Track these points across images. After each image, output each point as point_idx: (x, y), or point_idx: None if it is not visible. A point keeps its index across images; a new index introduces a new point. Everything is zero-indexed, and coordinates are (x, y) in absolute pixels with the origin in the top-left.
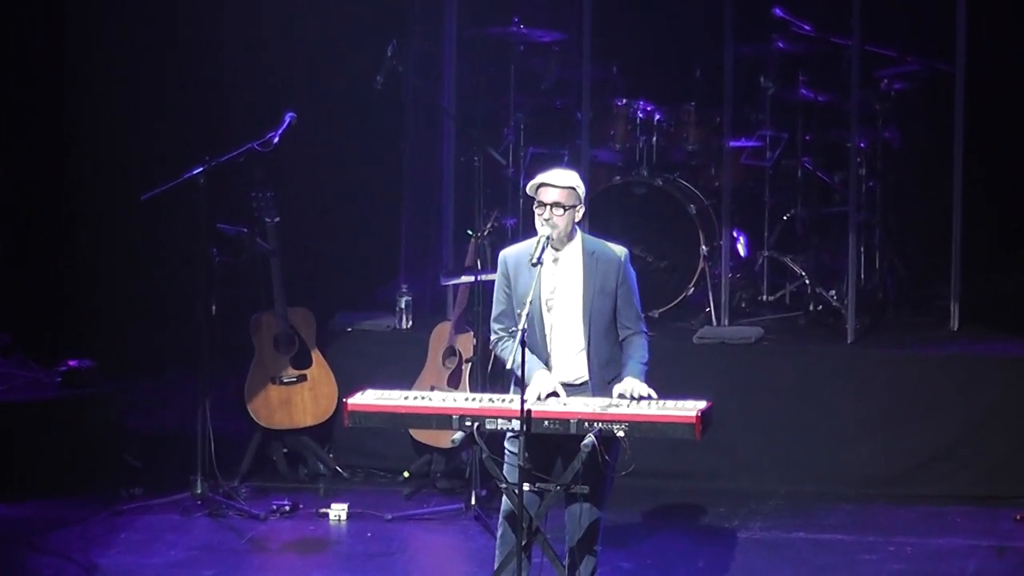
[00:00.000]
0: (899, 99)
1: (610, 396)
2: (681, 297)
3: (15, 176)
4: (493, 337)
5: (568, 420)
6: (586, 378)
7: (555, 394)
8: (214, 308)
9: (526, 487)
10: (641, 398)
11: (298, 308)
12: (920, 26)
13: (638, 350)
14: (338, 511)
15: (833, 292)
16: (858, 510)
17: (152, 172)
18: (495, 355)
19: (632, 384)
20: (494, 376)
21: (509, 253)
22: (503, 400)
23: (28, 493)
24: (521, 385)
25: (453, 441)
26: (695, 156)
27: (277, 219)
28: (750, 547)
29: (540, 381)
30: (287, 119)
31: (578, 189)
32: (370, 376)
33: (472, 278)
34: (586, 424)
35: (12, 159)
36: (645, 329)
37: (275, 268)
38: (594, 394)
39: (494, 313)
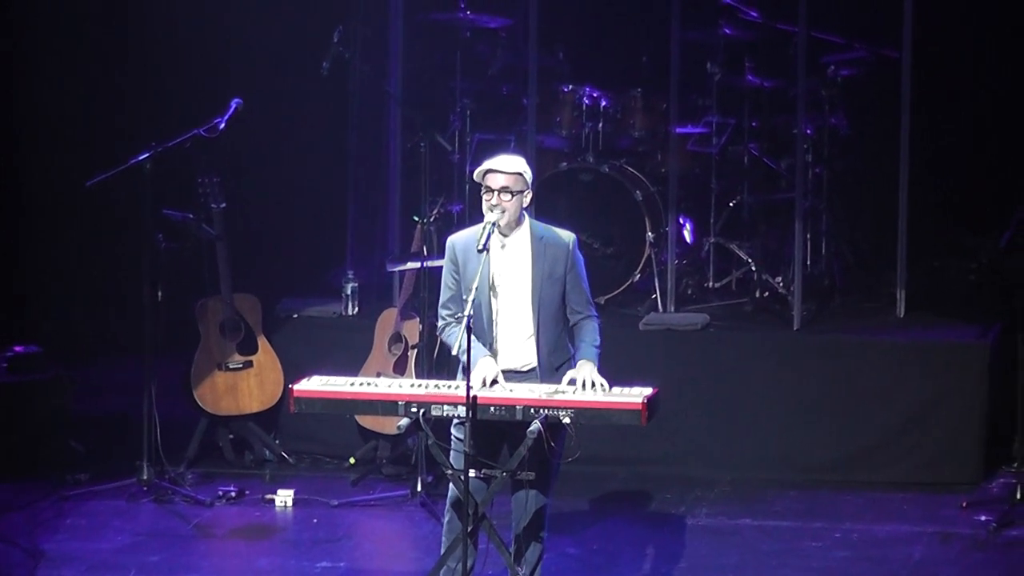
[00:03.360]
0: (846, 85)
1: (558, 383)
2: (628, 283)
3: None
4: (440, 323)
5: (514, 407)
6: (534, 364)
7: (495, 382)
8: (160, 294)
9: (472, 473)
10: (594, 386)
11: (244, 294)
12: (866, 12)
13: (590, 333)
14: (284, 497)
15: (779, 278)
16: (804, 496)
17: (98, 157)
18: (441, 341)
19: (585, 372)
20: (440, 363)
21: (457, 239)
22: (449, 387)
23: None
24: (467, 372)
25: (399, 427)
26: (641, 142)
27: (223, 205)
28: (697, 533)
29: (483, 367)
30: (233, 105)
31: (525, 175)
32: (316, 362)
33: (418, 264)
34: (532, 411)
35: None
36: (595, 314)
37: (221, 254)
38: (542, 381)
39: (442, 299)
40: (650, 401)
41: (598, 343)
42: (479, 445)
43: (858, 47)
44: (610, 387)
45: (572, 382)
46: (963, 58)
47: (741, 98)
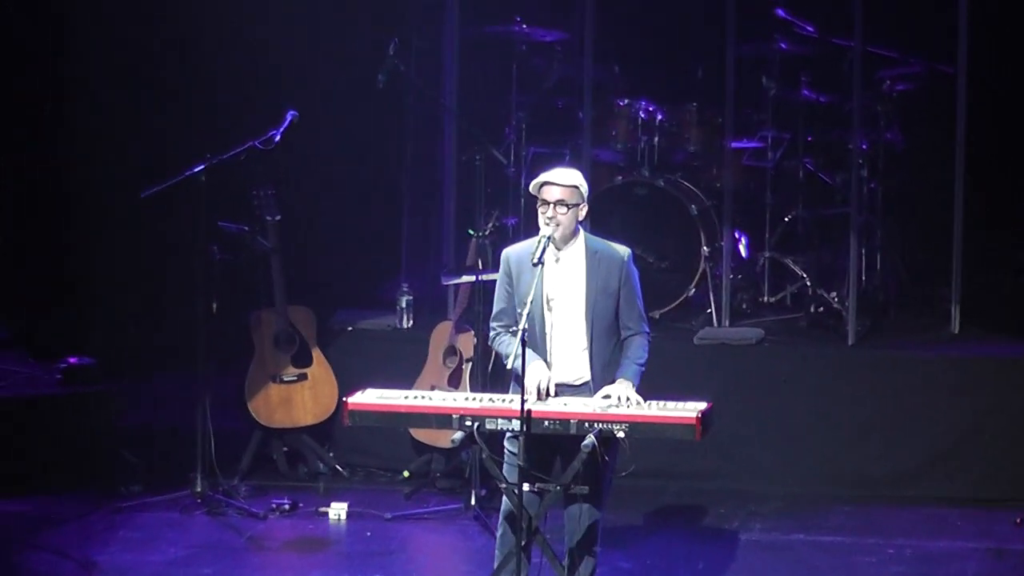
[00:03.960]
0: (901, 100)
1: None
2: (682, 298)
3: (14, 170)
4: (492, 334)
5: (568, 420)
6: (587, 379)
7: (548, 389)
8: (214, 306)
9: (525, 487)
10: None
11: (298, 306)
12: (922, 27)
13: (636, 350)
14: (338, 510)
15: (834, 294)
16: (857, 512)
17: (153, 169)
18: (495, 353)
19: (620, 388)
20: (494, 376)
21: (511, 252)
22: (503, 400)
23: (27, 490)
24: (521, 385)
25: (453, 441)
26: (697, 156)
27: (278, 217)
28: (749, 548)
29: (535, 372)
30: (288, 117)
31: (581, 188)
32: (370, 375)
33: (473, 278)
34: (586, 424)
35: (11, 154)
36: (647, 330)
37: (275, 266)
38: (595, 394)
39: (494, 311)
40: (704, 416)
41: (642, 360)
42: (533, 459)
43: (913, 62)
44: (656, 402)
45: (607, 397)
46: (1018, 72)
47: (796, 112)
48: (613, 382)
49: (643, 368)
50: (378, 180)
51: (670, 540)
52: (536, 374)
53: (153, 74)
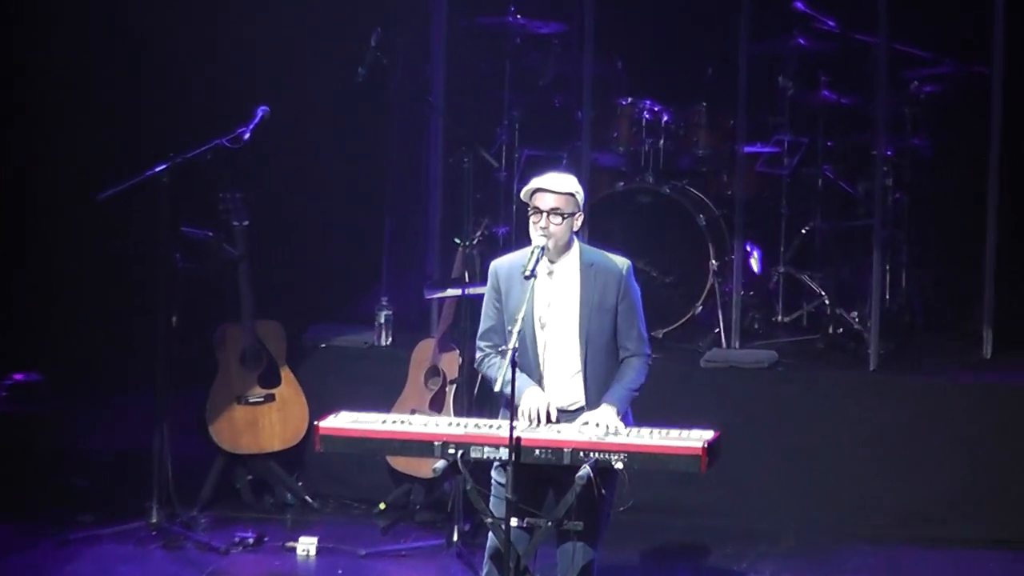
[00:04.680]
0: (930, 103)
1: None
2: (688, 316)
3: None
4: (478, 355)
5: (561, 449)
6: (582, 403)
7: (548, 416)
8: (175, 319)
9: (514, 522)
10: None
11: (267, 321)
12: (953, 24)
13: (631, 373)
14: (307, 545)
15: (855, 313)
16: (880, 553)
17: (110, 170)
18: (481, 375)
19: (601, 414)
20: (481, 399)
21: (500, 264)
22: (490, 426)
23: None
24: (511, 409)
25: (435, 470)
26: (706, 162)
27: (246, 222)
28: None
29: (531, 398)
30: (259, 113)
31: (577, 195)
32: (345, 397)
33: (459, 291)
34: (581, 454)
35: None
36: (648, 352)
37: (243, 276)
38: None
39: (481, 329)
40: (711, 446)
41: (636, 385)
42: (522, 491)
43: (943, 61)
44: (657, 431)
45: (586, 424)
46: None
47: (815, 115)
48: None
49: (635, 393)
50: (357, 184)
51: None
52: (533, 399)
53: (113, 65)
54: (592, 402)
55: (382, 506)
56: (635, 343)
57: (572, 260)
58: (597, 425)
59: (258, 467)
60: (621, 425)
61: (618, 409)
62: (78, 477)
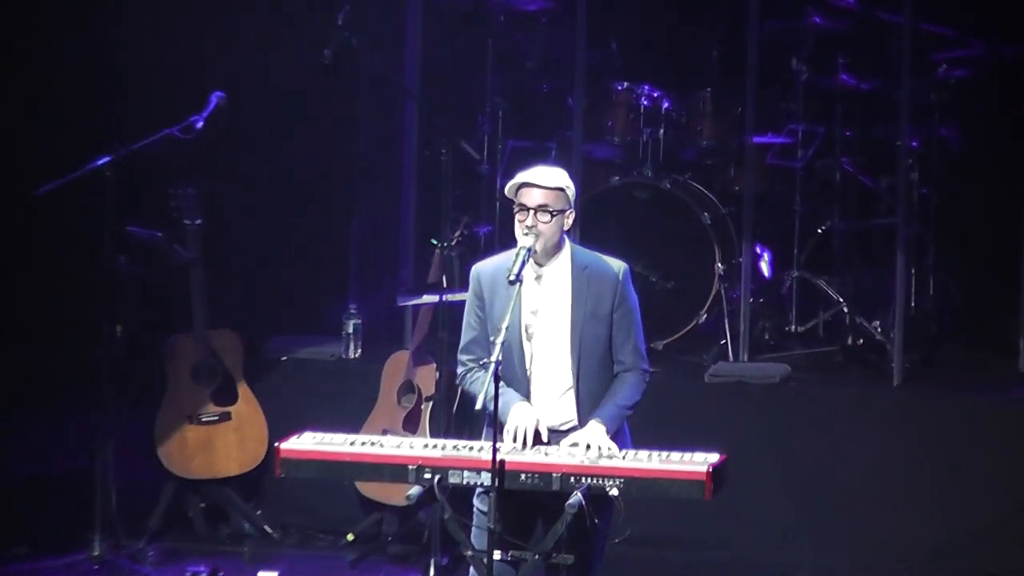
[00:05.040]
0: (960, 88)
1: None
2: (691, 325)
3: None
4: (460, 370)
5: (550, 474)
6: (574, 422)
7: (539, 435)
8: (120, 329)
9: (497, 555)
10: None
11: (223, 330)
12: (985, 2)
13: (624, 389)
14: None
15: (876, 323)
16: None
17: (48, 162)
18: (462, 392)
19: (589, 433)
20: (461, 418)
21: (483, 268)
22: (471, 448)
23: None
24: (494, 429)
25: (409, 497)
26: (710, 154)
27: (199, 221)
28: None
29: (519, 415)
30: (213, 100)
31: (568, 191)
32: (309, 416)
33: (436, 298)
34: (572, 479)
35: None
36: (645, 366)
37: (196, 280)
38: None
39: (463, 341)
40: (716, 470)
41: (630, 403)
42: (507, 520)
43: (976, 43)
44: (656, 453)
45: (574, 445)
46: None
47: (832, 102)
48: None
49: (628, 412)
50: (322, 178)
51: None
52: (520, 416)
53: (52, 54)
54: (585, 420)
55: (350, 537)
56: (631, 356)
57: (562, 263)
58: (588, 447)
59: (212, 493)
60: (613, 445)
61: (607, 428)
62: (13, 505)
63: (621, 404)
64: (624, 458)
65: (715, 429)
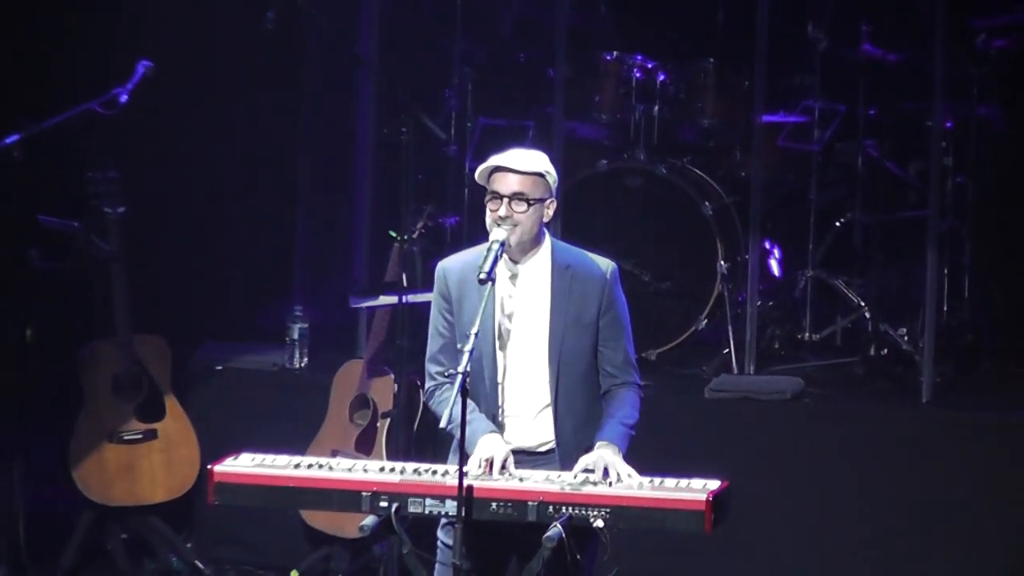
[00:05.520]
0: (1001, 60)
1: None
2: (689, 332)
3: None
4: (428, 384)
5: (525, 503)
6: (552, 444)
7: (504, 468)
8: (30, 333)
9: None
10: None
11: (148, 336)
12: None
13: (623, 407)
14: None
15: (903, 330)
16: None
17: None
18: (425, 407)
19: (605, 456)
20: (422, 438)
21: (450, 265)
22: (434, 472)
23: None
24: (460, 450)
25: (362, 528)
26: (713, 134)
27: (122, 210)
28: None
29: (487, 447)
30: (140, 70)
31: (548, 177)
32: (248, 434)
33: (395, 299)
34: (551, 508)
35: None
36: (638, 380)
37: (118, 278)
38: (564, 466)
39: (430, 351)
40: (717, 499)
41: (632, 422)
42: (476, 556)
43: (1019, 8)
44: (648, 480)
45: (587, 471)
46: None
47: (854, 76)
48: (590, 449)
49: (632, 432)
50: (265, 162)
51: None
52: (488, 449)
53: None
54: (566, 442)
55: (295, 574)
56: (622, 368)
57: (542, 260)
58: (605, 472)
59: (135, 523)
60: (632, 471)
61: (619, 449)
62: None
63: (625, 422)
64: (610, 484)
65: (716, 452)
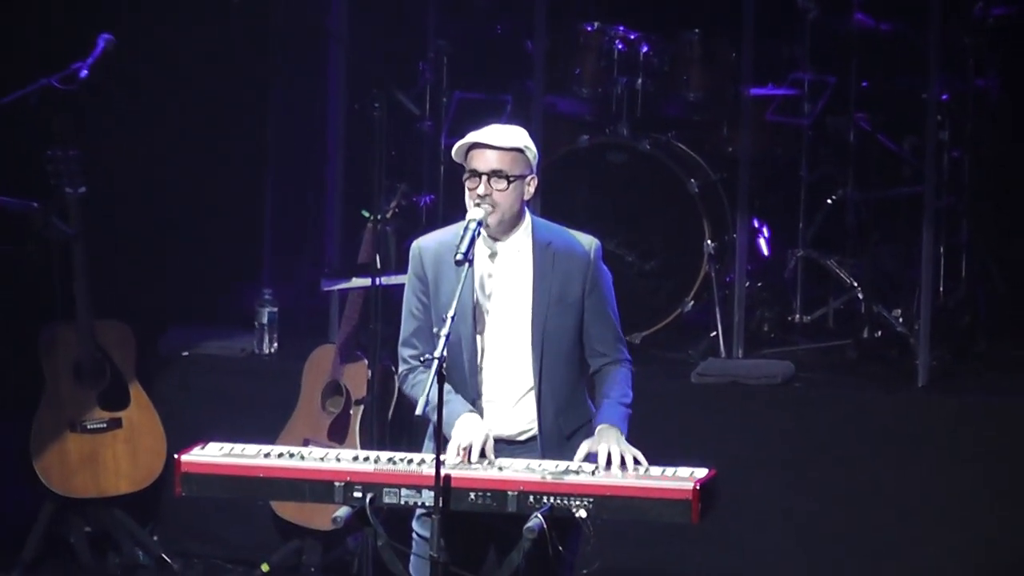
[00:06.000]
0: (999, 30)
1: (570, 457)
2: (675, 315)
3: None
4: (402, 368)
5: (505, 492)
6: (534, 431)
7: (483, 454)
8: None
9: None
10: (623, 464)
11: (111, 321)
12: None
13: (618, 385)
14: None
15: (898, 311)
16: None
17: None
18: (401, 394)
19: (608, 441)
20: (398, 426)
21: (426, 244)
22: (410, 461)
23: None
24: (437, 438)
25: (335, 520)
26: (699, 108)
27: (83, 189)
28: None
29: (465, 429)
30: (101, 44)
31: (527, 153)
32: (215, 423)
33: (368, 281)
34: (531, 498)
35: None
36: (628, 356)
37: (78, 260)
38: (545, 455)
39: (403, 334)
40: (704, 488)
41: (628, 401)
42: (453, 548)
43: None
44: (633, 468)
45: (590, 458)
46: None
47: (846, 47)
48: (575, 435)
49: (630, 411)
50: (231, 138)
51: None
52: (467, 431)
53: None
54: (549, 429)
55: (265, 568)
56: (611, 346)
57: (522, 239)
58: (608, 458)
59: (99, 516)
60: (637, 453)
61: (622, 431)
62: None
63: (623, 400)
64: (593, 473)
65: (703, 439)
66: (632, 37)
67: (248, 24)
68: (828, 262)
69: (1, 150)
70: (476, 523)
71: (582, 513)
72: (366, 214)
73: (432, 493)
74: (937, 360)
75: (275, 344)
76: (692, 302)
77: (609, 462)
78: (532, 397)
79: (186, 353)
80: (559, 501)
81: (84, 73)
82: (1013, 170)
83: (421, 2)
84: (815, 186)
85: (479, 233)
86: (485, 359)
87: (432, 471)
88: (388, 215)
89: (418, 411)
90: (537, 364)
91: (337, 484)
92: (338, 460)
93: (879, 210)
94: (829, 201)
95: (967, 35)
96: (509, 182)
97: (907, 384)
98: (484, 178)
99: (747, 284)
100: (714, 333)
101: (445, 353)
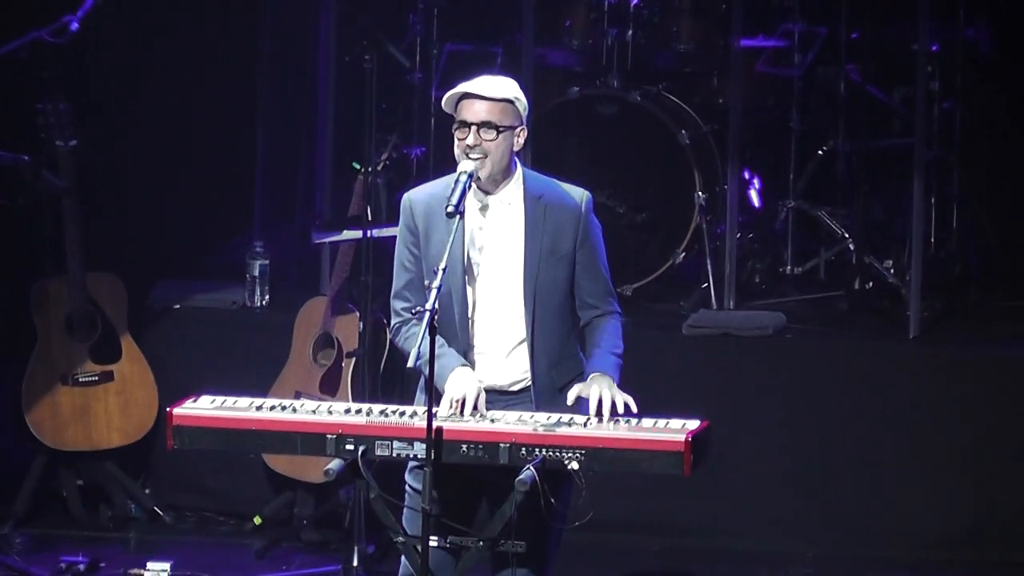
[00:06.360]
0: None
1: (561, 410)
2: (666, 267)
3: None
4: (394, 320)
5: (496, 444)
6: (527, 382)
7: (476, 408)
8: None
9: (434, 542)
10: (614, 413)
11: (102, 274)
12: None
13: (609, 336)
14: (157, 572)
15: (889, 263)
16: None
17: None
18: (393, 346)
19: (601, 386)
20: (389, 378)
21: (416, 196)
22: (402, 414)
23: None
24: (429, 391)
25: (327, 473)
26: (689, 60)
27: (74, 142)
28: None
29: (458, 382)
30: None
31: (518, 104)
32: (207, 375)
33: (359, 234)
34: (523, 450)
35: None
36: (618, 308)
37: (70, 214)
38: (538, 406)
39: (395, 286)
40: (696, 440)
41: (619, 351)
42: (446, 500)
43: None
44: (624, 420)
45: (581, 402)
46: None
47: None
48: (567, 387)
49: (621, 362)
50: (220, 91)
51: None
52: (459, 384)
53: None
54: (541, 380)
55: (257, 521)
56: (601, 298)
57: (513, 191)
58: (599, 403)
59: (91, 469)
60: (628, 398)
61: (614, 379)
62: None
63: (614, 351)
64: (585, 425)
65: (695, 390)
66: None
67: None
68: (819, 213)
69: None
70: (468, 475)
71: (574, 465)
72: (357, 166)
73: (424, 445)
74: (928, 311)
75: (266, 297)
76: (683, 254)
77: (600, 407)
78: (524, 349)
79: (177, 306)
80: (551, 453)
81: (75, 26)
82: (1004, 121)
83: None
84: (806, 137)
85: (470, 185)
86: (477, 311)
87: (424, 423)
88: (379, 167)
89: (410, 364)
90: (530, 316)
91: (329, 437)
92: (330, 412)
93: (870, 161)
94: (820, 152)
95: None
96: (499, 133)
97: (898, 335)
98: (474, 128)
99: (738, 235)
100: (705, 285)
101: (437, 305)
